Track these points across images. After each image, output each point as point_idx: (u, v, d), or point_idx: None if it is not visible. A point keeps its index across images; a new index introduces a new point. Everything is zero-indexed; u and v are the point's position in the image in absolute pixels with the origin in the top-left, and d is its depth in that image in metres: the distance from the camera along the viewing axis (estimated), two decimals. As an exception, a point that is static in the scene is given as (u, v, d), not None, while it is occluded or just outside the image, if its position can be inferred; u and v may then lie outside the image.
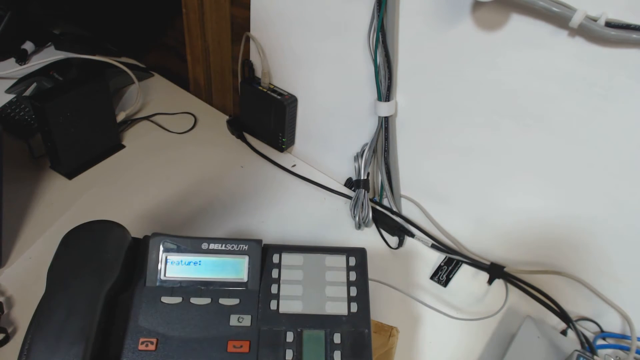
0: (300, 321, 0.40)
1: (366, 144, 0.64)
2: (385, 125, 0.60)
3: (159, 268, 0.41)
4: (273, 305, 0.40)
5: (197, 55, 0.80)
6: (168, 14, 0.82)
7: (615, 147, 0.46)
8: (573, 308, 0.56)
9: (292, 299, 0.41)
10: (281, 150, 0.76)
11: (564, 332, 0.53)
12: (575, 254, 0.54)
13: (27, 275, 0.54)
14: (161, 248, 0.41)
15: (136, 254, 0.42)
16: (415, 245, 0.63)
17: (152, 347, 0.38)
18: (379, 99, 0.58)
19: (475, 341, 0.54)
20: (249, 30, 0.70)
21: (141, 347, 0.38)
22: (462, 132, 0.55)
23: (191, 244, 0.42)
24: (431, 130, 0.58)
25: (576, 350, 0.48)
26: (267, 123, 0.74)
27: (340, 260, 0.43)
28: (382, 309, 0.54)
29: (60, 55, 0.84)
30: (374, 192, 0.69)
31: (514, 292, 0.58)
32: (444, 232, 0.64)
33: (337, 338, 0.39)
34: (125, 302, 0.40)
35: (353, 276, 0.42)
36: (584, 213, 0.51)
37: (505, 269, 0.58)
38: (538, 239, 0.56)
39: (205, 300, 0.40)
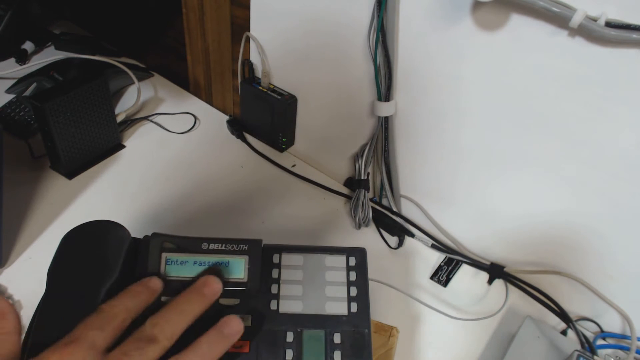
0: (300, 321, 0.40)
1: (366, 144, 0.64)
2: (385, 125, 0.60)
3: (159, 268, 0.41)
4: (273, 305, 0.40)
5: (197, 55, 0.80)
6: (168, 14, 0.82)
7: (614, 147, 0.46)
8: (573, 308, 0.56)
9: (292, 299, 0.41)
10: (281, 150, 0.76)
11: (564, 332, 0.53)
12: (575, 253, 0.54)
13: (27, 275, 0.54)
14: (161, 248, 0.41)
15: (136, 254, 0.42)
16: (415, 245, 0.63)
17: (152, 347, 0.38)
18: (379, 99, 0.58)
19: (475, 341, 0.54)
20: (249, 30, 0.70)
21: (141, 347, 0.38)
22: (462, 132, 0.55)
23: (191, 244, 0.41)
24: (431, 130, 0.58)
25: (576, 350, 0.48)
26: (267, 123, 0.74)
27: (340, 260, 0.43)
28: (382, 309, 0.54)
29: (60, 55, 0.84)
30: (374, 192, 0.69)
31: (514, 292, 0.58)
32: (444, 232, 0.64)
33: (337, 338, 0.39)
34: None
35: (353, 276, 0.42)
36: (584, 213, 0.51)
37: (505, 269, 0.58)
38: (538, 239, 0.56)
39: (205, 300, 0.40)
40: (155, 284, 0.38)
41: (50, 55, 0.86)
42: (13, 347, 0.33)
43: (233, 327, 0.35)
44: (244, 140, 0.77)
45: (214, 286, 0.37)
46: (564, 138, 0.48)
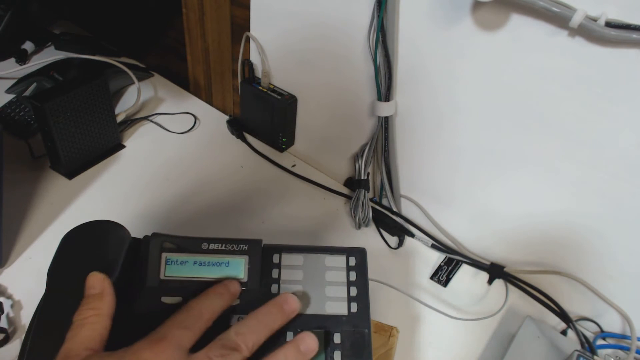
0: (300, 321, 0.40)
1: (366, 144, 0.64)
2: (385, 125, 0.60)
3: (159, 268, 0.41)
4: (273, 305, 0.40)
5: (197, 55, 0.80)
6: (168, 14, 0.82)
7: (614, 147, 0.46)
8: (573, 308, 0.56)
9: (292, 299, 0.41)
10: (281, 150, 0.76)
11: (564, 332, 0.53)
12: (575, 253, 0.54)
13: (27, 275, 0.54)
14: (161, 248, 0.41)
15: (136, 254, 0.42)
16: (415, 245, 0.63)
17: (152, 347, 0.38)
18: (379, 99, 0.58)
19: (475, 341, 0.54)
20: (249, 30, 0.70)
21: (141, 347, 0.38)
22: (461, 132, 0.55)
23: (191, 244, 0.41)
24: (431, 130, 0.58)
25: (576, 350, 0.48)
26: (267, 123, 0.74)
27: (340, 260, 0.43)
28: (382, 309, 0.54)
29: (60, 55, 0.84)
30: (374, 192, 0.69)
31: (514, 292, 0.58)
32: (444, 232, 0.64)
33: (337, 338, 0.39)
34: (125, 302, 0.40)
35: (353, 276, 0.42)
36: (584, 213, 0.51)
37: (505, 269, 0.58)
38: (538, 239, 0.56)
39: (205, 300, 0.40)
40: (236, 287, 0.38)
41: (50, 55, 0.86)
42: (103, 331, 0.33)
43: (310, 344, 0.35)
44: (244, 140, 0.77)
45: (294, 305, 0.37)
46: (564, 138, 0.48)
